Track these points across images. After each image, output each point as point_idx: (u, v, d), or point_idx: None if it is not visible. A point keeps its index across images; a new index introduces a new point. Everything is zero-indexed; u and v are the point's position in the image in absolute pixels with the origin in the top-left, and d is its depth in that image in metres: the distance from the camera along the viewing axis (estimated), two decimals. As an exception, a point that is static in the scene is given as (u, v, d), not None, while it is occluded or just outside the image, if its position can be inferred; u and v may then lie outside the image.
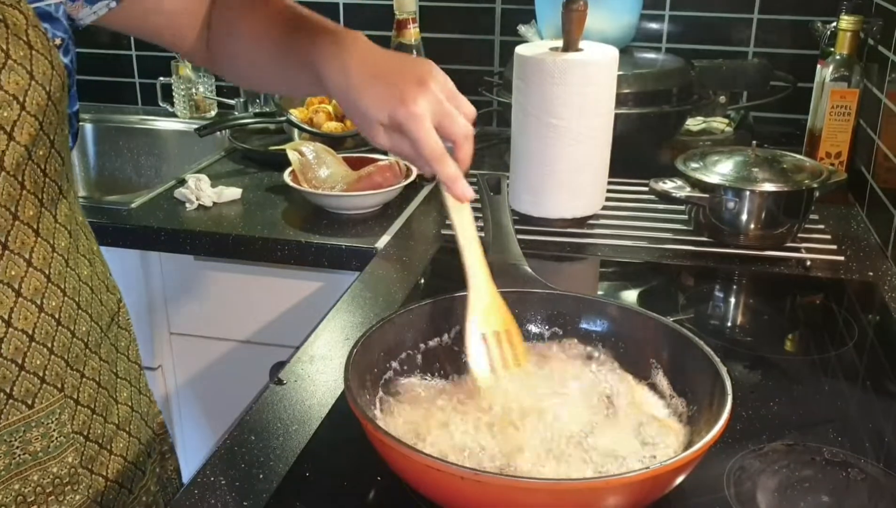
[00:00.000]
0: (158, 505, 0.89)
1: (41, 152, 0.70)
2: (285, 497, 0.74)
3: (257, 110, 1.83)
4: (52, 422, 0.75)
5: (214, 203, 1.44)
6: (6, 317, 0.70)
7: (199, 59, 0.95)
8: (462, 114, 0.74)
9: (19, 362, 0.71)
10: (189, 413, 1.54)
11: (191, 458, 1.56)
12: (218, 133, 1.70)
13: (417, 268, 1.19)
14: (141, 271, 1.42)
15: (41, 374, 0.73)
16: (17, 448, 0.72)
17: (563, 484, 0.62)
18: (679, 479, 0.66)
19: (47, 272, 0.73)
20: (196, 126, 1.66)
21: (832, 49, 1.43)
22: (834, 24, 1.47)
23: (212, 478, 0.76)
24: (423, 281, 1.16)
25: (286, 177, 1.41)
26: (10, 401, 0.71)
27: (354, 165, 1.46)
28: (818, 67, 1.45)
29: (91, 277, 0.81)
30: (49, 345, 0.73)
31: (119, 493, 0.83)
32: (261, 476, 0.76)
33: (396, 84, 0.71)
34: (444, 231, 1.31)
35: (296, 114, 1.68)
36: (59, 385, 0.75)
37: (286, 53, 0.84)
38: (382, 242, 1.28)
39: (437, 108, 0.72)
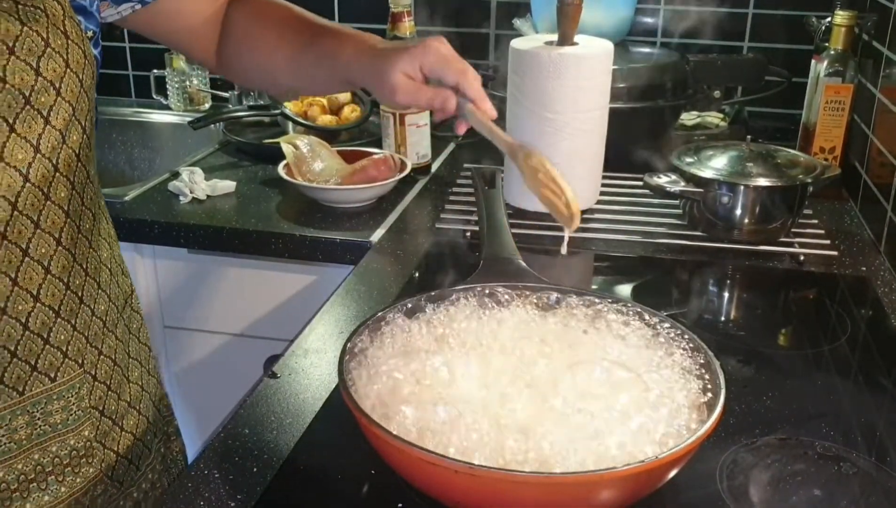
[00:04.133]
0: (162, 484, 0.91)
1: (74, 137, 0.74)
2: (279, 490, 0.74)
3: (251, 103, 1.82)
4: (73, 396, 0.78)
5: (208, 196, 1.43)
6: (35, 293, 0.73)
7: (215, 66, 0.98)
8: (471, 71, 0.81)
9: (45, 336, 0.75)
10: (183, 407, 1.53)
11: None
12: (212, 126, 1.70)
13: (412, 261, 1.19)
14: (134, 265, 1.42)
15: (64, 349, 0.76)
16: (39, 419, 0.76)
17: (556, 478, 0.62)
18: (672, 472, 0.66)
19: (73, 252, 0.76)
20: (190, 119, 1.65)
21: (827, 44, 1.44)
22: (828, 19, 1.48)
23: (206, 471, 0.76)
24: (417, 275, 1.16)
25: (280, 170, 1.41)
26: (35, 373, 0.75)
27: (349, 158, 1.45)
28: (813, 62, 1.45)
29: (109, 259, 0.85)
30: (73, 321, 0.77)
31: (128, 469, 0.85)
32: (255, 469, 0.76)
33: (420, 44, 0.80)
34: (438, 225, 1.31)
35: (290, 107, 1.68)
36: (80, 361, 0.78)
37: (303, 53, 0.89)
38: (377, 235, 1.28)
39: (457, 59, 0.80)
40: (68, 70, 0.72)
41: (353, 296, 1.09)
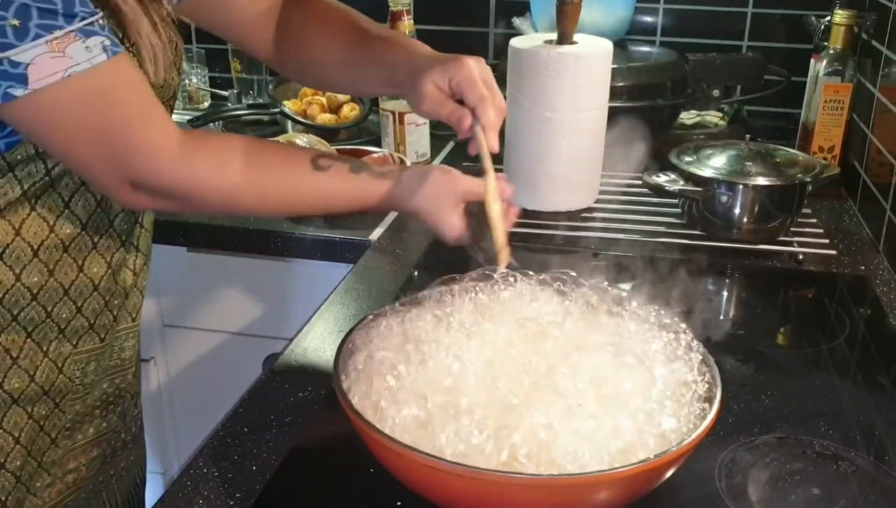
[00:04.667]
0: (138, 420, 1.00)
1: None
2: (278, 489, 0.74)
3: (251, 102, 1.82)
4: (134, 339, 0.91)
5: (207, 195, 1.43)
6: (136, 243, 0.87)
7: (271, 61, 1.00)
8: (495, 102, 0.82)
9: (136, 283, 0.88)
10: (182, 405, 1.53)
11: (183, 449, 1.56)
12: (211, 124, 1.70)
13: (411, 260, 1.19)
14: (134, 263, 1.42)
15: (143, 295, 0.91)
16: (116, 352, 0.89)
17: (557, 480, 0.62)
18: (670, 472, 0.66)
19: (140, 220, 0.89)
20: (189, 117, 1.65)
21: (826, 43, 1.43)
22: (828, 18, 1.48)
23: (204, 470, 0.76)
24: (416, 274, 1.16)
25: (280, 169, 1.40)
26: (123, 312, 0.88)
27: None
28: (812, 61, 1.45)
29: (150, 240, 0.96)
30: (146, 268, 0.91)
31: (134, 408, 0.97)
32: (253, 467, 0.76)
33: (457, 59, 0.83)
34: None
35: (289, 105, 1.68)
36: (139, 307, 0.91)
37: (354, 53, 0.93)
38: (376, 234, 1.28)
39: (483, 80, 0.82)
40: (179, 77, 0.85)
41: (351, 295, 1.09)
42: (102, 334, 0.85)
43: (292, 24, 0.96)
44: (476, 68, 0.81)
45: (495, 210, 0.83)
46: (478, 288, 0.81)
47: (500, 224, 0.84)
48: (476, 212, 0.85)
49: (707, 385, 0.72)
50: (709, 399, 0.70)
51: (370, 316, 0.80)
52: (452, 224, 0.84)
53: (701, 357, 0.75)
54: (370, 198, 0.85)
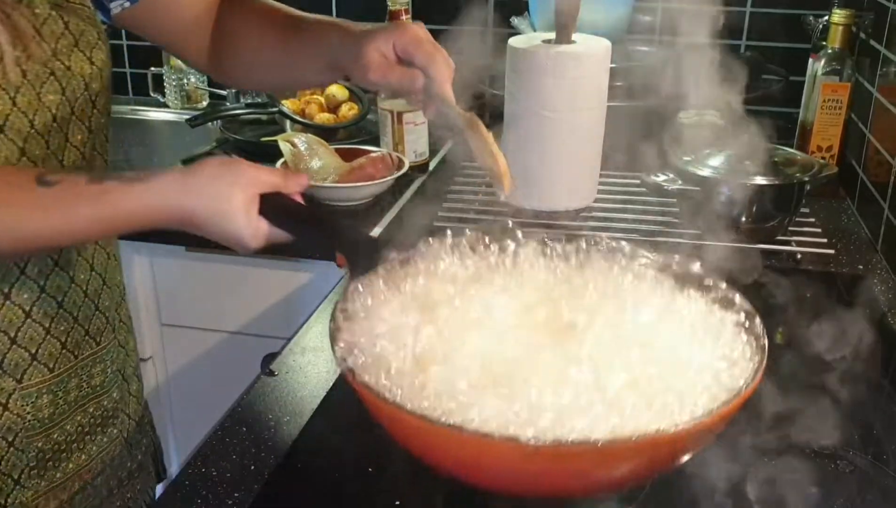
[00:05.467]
0: (150, 447, 0.99)
1: (102, 101, 0.82)
2: (276, 489, 0.74)
3: (249, 101, 1.82)
4: (108, 359, 0.86)
5: (206, 194, 1.43)
6: (90, 261, 0.82)
7: (207, 67, 0.98)
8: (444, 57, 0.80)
9: (96, 303, 0.83)
10: (180, 404, 1.53)
11: (182, 449, 1.56)
12: (210, 124, 1.70)
13: (409, 260, 1.19)
14: (132, 262, 1.41)
15: (108, 315, 0.85)
16: (85, 381, 0.83)
17: (567, 447, 0.57)
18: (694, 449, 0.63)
19: None
20: (188, 117, 1.65)
21: (824, 43, 1.44)
22: (826, 17, 1.48)
23: (203, 469, 0.76)
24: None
25: (278, 168, 1.40)
26: (87, 338, 0.83)
27: (346, 156, 1.45)
28: (810, 60, 1.45)
29: (109, 241, 0.90)
30: (111, 288, 0.86)
31: (136, 431, 0.93)
32: (252, 467, 0.76)
33: (396, 25, 0.81)
34: (435, 223, 1.31)
35: (288, 105, 1.68)
36: (113, 326, 0.86)
37: (289, 44, 0.89)
38: (374, 233, 1.28)
39: (426, 39, 0.79)
40: (94, 68, 0.79)
41: (350, 294, 1.09)
42: (51, 364, 0.79)
43: (226, 25, 0.94)
44: (419, 29, 0.80)
45: (490, 137, 0.79)
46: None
47: (499, 149, 0.79)
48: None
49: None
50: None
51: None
52: (250, 225, 0.70)
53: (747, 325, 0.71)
54: (121, 210, 0.69)
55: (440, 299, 0.70)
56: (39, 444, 0.80)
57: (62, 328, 0.80)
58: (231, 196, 0.69)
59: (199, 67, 1.00)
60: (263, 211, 0.71)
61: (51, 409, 0.80)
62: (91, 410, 0.84)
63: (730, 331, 0.70)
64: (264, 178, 0.71)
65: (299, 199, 0.74)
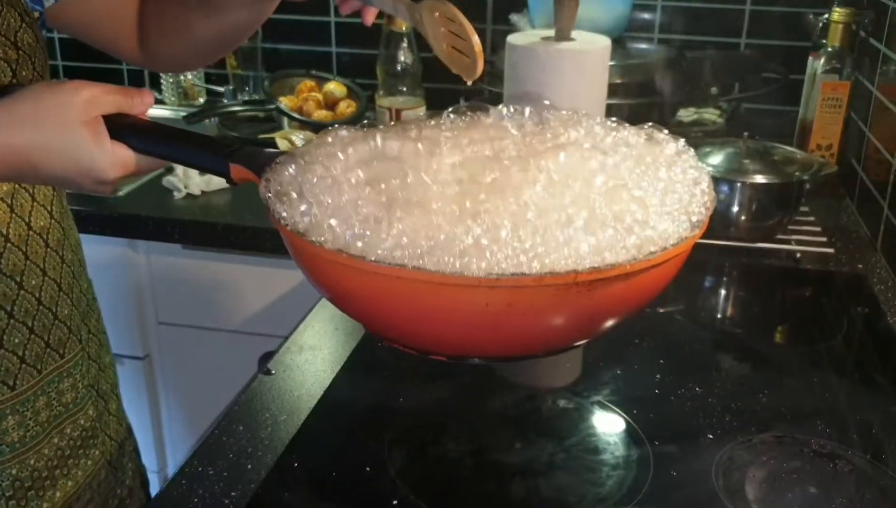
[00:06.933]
0: (137, 473, 0.93)
1: None
2: (273, 488, 0.74)
3: (246, 98, 1.82)
4: (77, 373, 0.79)
5: (203, 192, 1.43)
6: (42, 266, 0.74)
7: (142, 58, 0.92)
8: None
9: (54, 310, 0.76)
10: (177, 403, 1.53)
11: (178, 448, 1.55)
12: (207, 121, 1.69)
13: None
14: (128, 260, 1.41)
15: (68, 324, 0.78)
16: (54, 399, 0.77)
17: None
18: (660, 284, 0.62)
19: (62, 224, 0.78)
20: (185, 114, 1.65)
21: (824, 41, 1.43)
22: (826, 15, 1.47)
23: (199, 468, 0.76)
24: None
25: (276, 165, 1.40)
26: (48, 349, 0.76)
27: (344, 154, 1.45)
28: (810, 58, 1.45)
29: (78, 248, 0.85)
30: (71, 296, 0.78)
31: (119, 452, 0.88)
32: (249, 466, 0.76)
33: None
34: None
35: (285, 102, 1.67)
36: (79, 337, 0.80)
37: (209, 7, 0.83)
38: (372, 231, 1.27)
39: None
40: (21, 53, 0.68)
41: (348, 292, 1.09)
42: (10, 381, 0.72)
43: (146, 8, 0.88)
44: None
45: (461, 17, 0.71)
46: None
47: (470, 26, 0.69)
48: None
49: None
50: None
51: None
52: (104, 151, 0.60)
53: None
54: None
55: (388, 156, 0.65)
56: (14, 471, 0.73)
57: (17, 341, 0.72)
58: (70, 120, 0.58)
59: (136, 62, 0.93)
60: (117, 136, 0.61)
61: (20, 432, 0.73)
62: (68, 431, 0.78)
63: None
64: (104, 97, 0.60)
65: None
